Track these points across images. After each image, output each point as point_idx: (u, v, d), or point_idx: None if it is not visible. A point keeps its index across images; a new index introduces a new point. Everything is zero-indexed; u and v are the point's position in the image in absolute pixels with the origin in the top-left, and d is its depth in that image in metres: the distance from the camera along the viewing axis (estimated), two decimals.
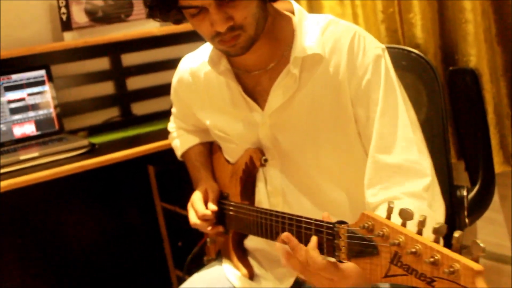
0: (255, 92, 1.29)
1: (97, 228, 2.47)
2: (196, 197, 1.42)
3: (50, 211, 2.33)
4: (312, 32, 1.22)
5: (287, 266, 1.05)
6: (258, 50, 1.21)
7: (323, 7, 2.00)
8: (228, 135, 1.38)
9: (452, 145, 1.69)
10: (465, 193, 1.44)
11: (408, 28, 1.73)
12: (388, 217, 0.87)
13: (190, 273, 1.52)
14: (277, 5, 1.24)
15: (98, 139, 2.25)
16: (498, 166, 1.64)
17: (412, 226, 0.84)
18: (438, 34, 1.72)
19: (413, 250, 0.80)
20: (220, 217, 1.42)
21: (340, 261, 0.97)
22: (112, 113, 2.52)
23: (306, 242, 1.05)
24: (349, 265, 0.98)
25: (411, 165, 1.14)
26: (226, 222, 1.42)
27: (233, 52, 1.19)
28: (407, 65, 1.52)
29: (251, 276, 1.39)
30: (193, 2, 1.10)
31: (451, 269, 0.74)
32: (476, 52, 1.58)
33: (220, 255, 1.52)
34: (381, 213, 0.90)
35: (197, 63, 1.40)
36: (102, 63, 2.47)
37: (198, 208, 1.38)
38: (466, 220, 1.44)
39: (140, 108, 2.57)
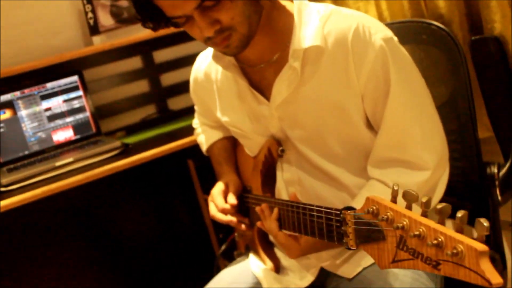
0: (262, 86, 1.27)
1: (144, 221, 2.52)
2: (216, 191, 1.42)
3: (100, 207, 2.40)
4: (312, 23, 1.17)
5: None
6: (257, 45, 1.18)
7: None
8: (242, 130, 1.37)
9: (484, 119, 1.59)
10: (495, 170, 1.36)
11: None
12: (393, 200, 0.84)
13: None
14: None
15: (136, 138, 2.30)
16: None
17: (417, 208, 0.80)
18: (463, 2, 1.62)
19: (417, 233, 0.76)
20: (245, 211, 1.43)
21: (349, 248, 0.95)
22: (148, 110, 2.55)
23: (319, 229, 1.06)
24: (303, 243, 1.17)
25: (412, 159, 1.17)
26: (251, 216, 1.41)
27: (229, 53, 1.17)
28: (428, 39, 1.44)
29: (277, 268, 1.39)
30: (176, 13, 1.08)
31: (455, 251, 0.70)
32: (500, 18, 1.47)
33: (248, 250, 1.52)
34: (386, 196, 0.87)
35: (208, 60, 1.39)
36: (135, 62, 2.50)
37: (218, 202, 1.39)
38: (499, 198, 1.36)
39: (176, 103, 2.58)
